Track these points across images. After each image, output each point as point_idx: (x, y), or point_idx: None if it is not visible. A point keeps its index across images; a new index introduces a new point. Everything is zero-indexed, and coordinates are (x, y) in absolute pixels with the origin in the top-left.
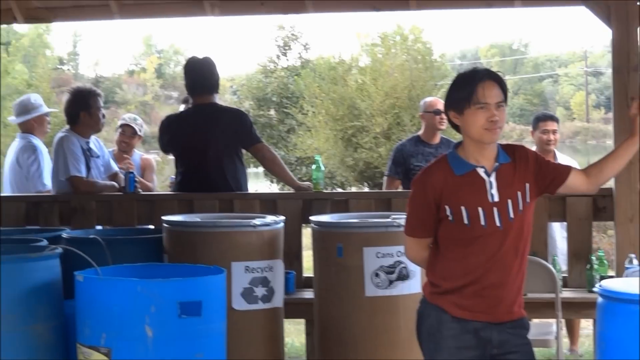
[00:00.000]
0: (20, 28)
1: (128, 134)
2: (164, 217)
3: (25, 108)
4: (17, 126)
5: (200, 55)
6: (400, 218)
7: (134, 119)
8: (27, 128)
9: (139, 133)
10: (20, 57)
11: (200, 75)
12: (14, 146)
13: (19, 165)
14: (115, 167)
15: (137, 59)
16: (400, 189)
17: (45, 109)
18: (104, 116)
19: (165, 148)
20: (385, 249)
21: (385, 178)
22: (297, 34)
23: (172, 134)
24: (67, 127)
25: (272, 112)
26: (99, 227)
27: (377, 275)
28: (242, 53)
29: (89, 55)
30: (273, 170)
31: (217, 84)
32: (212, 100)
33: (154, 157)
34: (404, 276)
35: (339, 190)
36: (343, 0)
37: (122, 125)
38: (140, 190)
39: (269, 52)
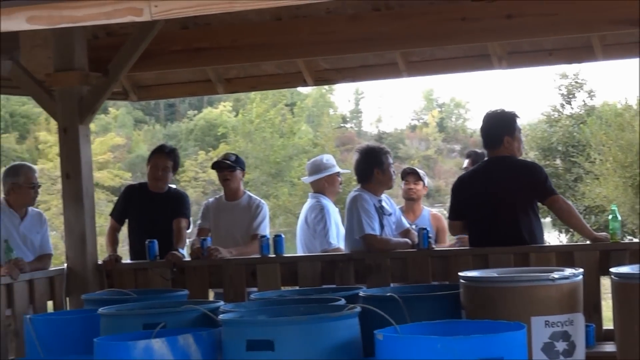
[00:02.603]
0: (305, 89)
1: (412, 181)
2: (460, 273)
3: (317, 168)
4: (308, 186)
5: (491, 107)
6: None
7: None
8: (319, 188)
9: (422, 178)
10: (304, 117)
11: (493, 128)
12: (306, 206)
13: (307, 224)
14: (406, 223)
15: (418, 113)
16: None
17: (336, 169)
18: (394, 173)
19: (458, 207)
20: None
21: None
22: (581, 81)
23: (465, 190)
24: (359, 185)
25: (558, 161)
26: (393, 285)
27: None
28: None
29: (371, 111)
30: (569, 222)
31: (510, 137)
32: (506, 154)
33: (440, 211)
34: None
35: (634, 240)
36: (633, 44)
37: (405, 174)
38: (433, 246)
39: (552, 101)
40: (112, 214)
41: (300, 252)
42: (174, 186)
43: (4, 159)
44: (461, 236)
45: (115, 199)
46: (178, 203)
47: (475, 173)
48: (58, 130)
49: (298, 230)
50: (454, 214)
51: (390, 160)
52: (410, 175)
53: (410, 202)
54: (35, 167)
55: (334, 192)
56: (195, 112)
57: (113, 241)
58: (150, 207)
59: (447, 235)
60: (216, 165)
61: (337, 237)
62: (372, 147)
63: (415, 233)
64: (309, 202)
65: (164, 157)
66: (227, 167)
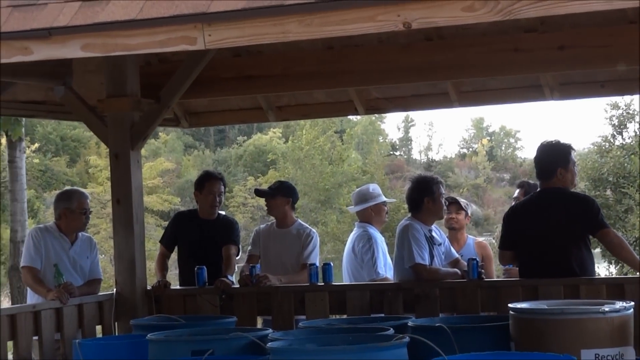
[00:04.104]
0: (355, 116)
1: (454, 210)
2: (510, 305)
3: (363, 197)
4: (355, 215)
5: (541, 137)
6: None
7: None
8: (365, 217)
9: (464, 208)
10: (354, 144)
11: (547, 159)
12: (352, 235)
13: (354, 254)
14: (455, 253)
15: (468, 142)
16: None
17: (382, 198)
18: (446, 203)
19: (509, 237)
20: None
21: None
22: (633, 112)
23: (517, 220)
24: (409, 214)
25: (609, 192)
26: (442, 315)
27: None
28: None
29: (420, 139)
30: (620, 255)
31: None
32: (559, 185)
33: (488, 240)
34: None
35: None
36: None
37: (447, 204)
38: (483, 276)
39: (603, 131)
40: (161, 241)
41: (346, 281)
42: (223, 213)
43: (54, 182)
44: (509, 268)
45: (164, 223)
46: (228, 230)
47: (528, 204)
48: (109, 155)
49: (344, 259)
50: (505, 244)
51: (442, 190)
52: (452, 205)
53: (453, 231)
54: (87, 192)
55: (380, 221)
56: (245, 138)
57: (162, 267)
58: (200, 234)
59: (493, 264)
60: (257, 193)
61: (385, 267)
62: (424, 177)
63: (465, 263)
64: (355, 231)
65: (218, 183)
66: (266, 194)
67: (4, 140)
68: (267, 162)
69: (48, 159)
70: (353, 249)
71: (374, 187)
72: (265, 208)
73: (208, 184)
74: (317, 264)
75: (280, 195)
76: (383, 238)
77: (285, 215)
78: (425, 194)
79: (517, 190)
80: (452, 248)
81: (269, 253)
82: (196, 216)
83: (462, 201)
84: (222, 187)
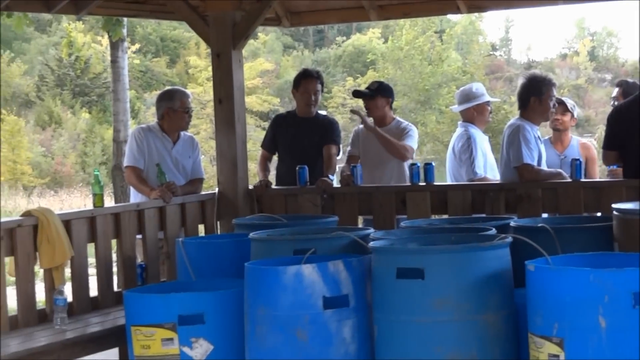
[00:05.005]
0: (454, 16)
1: (560, 112)
2: (614, 205)
3: (467, 97)
4: (457, 114)
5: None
6: None
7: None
8: (468, 117)
9: (570, 110)
10: (453, 44)
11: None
12: (454, 135)
13: (454, 153)
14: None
15: (569, 42)
16: None
17: (486, 97)
18: (554, 106)
19: (613, 137)
20: None
21: None
22: None
23: (622, 120)
24: (518, 113)
25: None
26: (544, 215)
27: None
28: None
29: (521, 40)
30: None
31: None
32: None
33: (589, 141)
34: None
35: None
36: None
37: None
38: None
39: None
40: (263, 145)
41: (449, 181)
42: (323, 112)
43: (154, 82)
44: (613, 168)
45: (263, 124)
46: (328, 129)
47: (633, 104)
48: (211, 55)
49: (447, 159)
50: (609, 144)
51: (553, 92)
52: (559, 106)
53: (557, 132)
54: (189, 92)
55: (483, 121)
56: (344, 38)
57: (264, 167)
58: (299, 133)
59: (596, 165)
60: (355, 94)
61: (485, 167)
62: (535, 76)
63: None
64: (457, 131)
65: (314, 81)
66: (365, 95)
67: (105, 41)
68: (366, 63)
69: (148, 60)
70: (453, 149)
71: (478, 87)
72: (365, 109)
73: (304, 81)
74: (418, 163)
75: (380, 96)
76: (486, 137)
77: (385, 115)
78: (533, 93)
79: (616, 90)
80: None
81: (368, 152)
82: (294, 116)
83: (569, 102)
84: (319, 85)
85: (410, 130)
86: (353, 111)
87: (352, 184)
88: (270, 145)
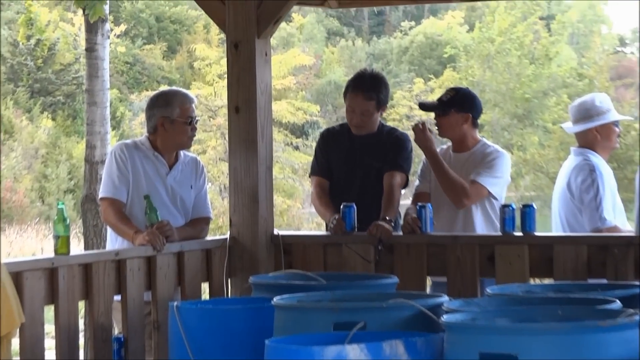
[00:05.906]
0: None
1: None
2: None
3: (587, 113)
4: (570, 136)
5: None
6: None
7: None
8: (588, 141)
9: None
10: (566, 36)
11: None
12: (567, 165)
13: (570, 192)
14: None
15: None
16: None
17: (613, 115)
18: None
19: None
20: None
21: None
22: None
23: None
24: None
25: None
26: None
27: None
28: None
29: None
30: None
31: None
32: None
33: None
34: None
35: None
36: None
37: None
38: None
39: None
40: (313, 171)
41: (556, 230)
42: (390, 125)
43: (145, 79)
44: None
45: (296, 141)
46: (393, 149)
47: None
48: (226, 45)
49: (555, 199)
50: None
51: None
52: None
53: None
54: (192, 95)
55: (608, 147)
56: (412, 23)
57: (328, 202)
58: (351, 157)
59: None
60: (421, 107)
61: (614, 211)
62: None
63: None
64: (572, 160)
65: (361, 98)
66: (435, 108)
67: (79, 20)
68: (442, 59)
69: (137, 48)
70: (569, 185)
71: (603, 99)
72: (436, 127)
73: (350, 95)
74: (513, 205)
75: (455, 110)
76: (611, 171)
77: (465, 137)
78: None
79: None
80: None
81: None
82: (348, 131)
83: None
84: (372, 102)
85: (496, 158)
86: (415, 128)
87: (419, 230)
88: (324, 169)
